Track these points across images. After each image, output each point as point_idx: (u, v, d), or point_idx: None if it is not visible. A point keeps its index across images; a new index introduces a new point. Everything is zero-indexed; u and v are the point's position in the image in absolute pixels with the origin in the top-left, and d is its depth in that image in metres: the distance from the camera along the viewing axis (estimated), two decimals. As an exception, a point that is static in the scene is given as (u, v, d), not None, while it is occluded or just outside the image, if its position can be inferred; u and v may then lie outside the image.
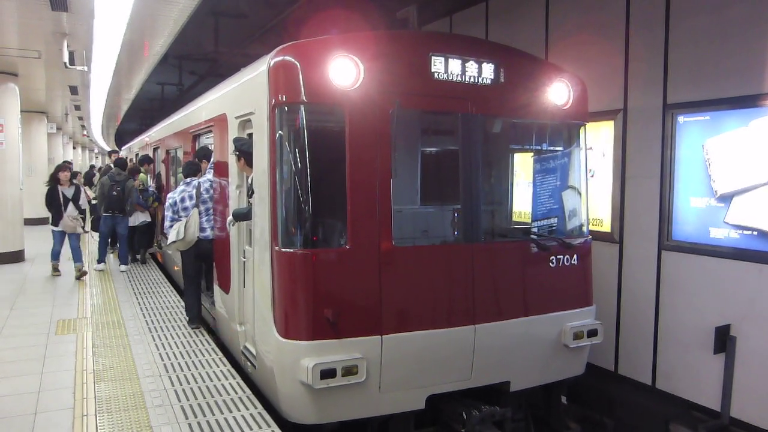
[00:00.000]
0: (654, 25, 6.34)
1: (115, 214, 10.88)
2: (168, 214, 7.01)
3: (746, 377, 5.55)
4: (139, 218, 11.47)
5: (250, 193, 5.42)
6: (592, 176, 6.91)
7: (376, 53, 4.69)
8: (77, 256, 10.06)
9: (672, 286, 6.24)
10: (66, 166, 10.78)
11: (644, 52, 6.47)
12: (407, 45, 4.99)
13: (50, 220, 10.17)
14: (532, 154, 5.82)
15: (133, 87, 15.40)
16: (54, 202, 9.90)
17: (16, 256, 11.81)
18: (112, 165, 13.80)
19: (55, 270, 10.38)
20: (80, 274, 9.97)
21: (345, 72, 4.52)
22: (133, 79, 13.93)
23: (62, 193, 9.86)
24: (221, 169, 6.64)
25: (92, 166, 17.07)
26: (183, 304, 8.34)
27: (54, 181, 9.96)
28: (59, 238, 10.17)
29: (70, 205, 9.86)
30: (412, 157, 6.26)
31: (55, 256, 10.31)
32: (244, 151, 5.53)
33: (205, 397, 4.99)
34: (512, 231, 6.27)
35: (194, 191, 6.98)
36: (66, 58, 8.77)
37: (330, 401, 4.44)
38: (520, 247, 5.42)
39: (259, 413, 4.70)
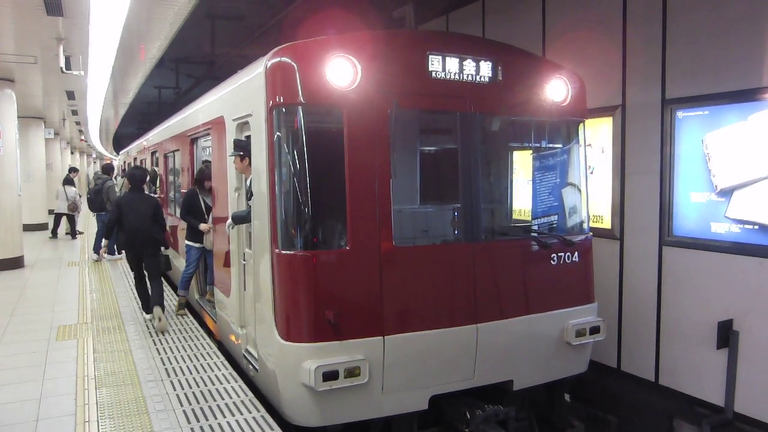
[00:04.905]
0: (651, 20, 6.33)
1: (98, 213, 12.35)
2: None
3: (750, 372, 5.54)
4: None
5: (249, 195, 5.40)
6: (592, 173, 6.90)
7: (374, 53, 4.67)
8: (185, 283, 8.00)
9: (673, 281, 6.22)
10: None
11: (642, 48, 6.45)
12: (404, 44, 4.97)
13: (186, 236, 7.89)
14: (531, 151, 5.81)
15: (130, 91, 15.37)
16: (196, 212, 7.73)
17: (16, 263, 11.78)
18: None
19: (183, 307, 8.00)
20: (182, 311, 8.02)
21: (342, 72, 4.51)
22: (129, 83, 13.90)
23: (203, 200, 7.78)
24: (219, 173, 6.61)
25: (73, 169, 16.88)
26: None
27: (199, 183, 7.80)
28: (197, 258, 7.87)
29: (212, 216, 7.63)
30: (411, 156, 6.25)
31: (187, 284, 7.92)
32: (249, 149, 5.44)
33: (207, 401, 4.97)
34: (513, 229, 6.26)
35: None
36: (62, 63, 8.73)
37: (332, 403, 4.43)
38: (520, 245, 5.41)
39: (262, 416, 4.68)
